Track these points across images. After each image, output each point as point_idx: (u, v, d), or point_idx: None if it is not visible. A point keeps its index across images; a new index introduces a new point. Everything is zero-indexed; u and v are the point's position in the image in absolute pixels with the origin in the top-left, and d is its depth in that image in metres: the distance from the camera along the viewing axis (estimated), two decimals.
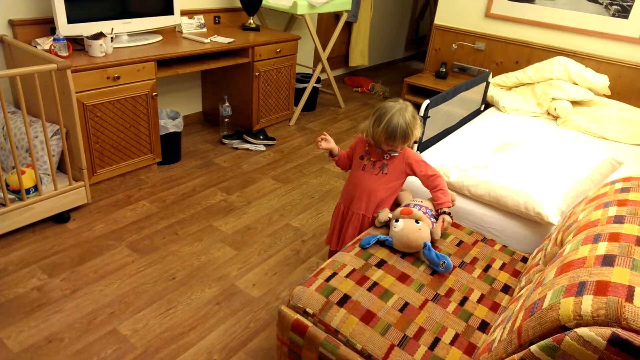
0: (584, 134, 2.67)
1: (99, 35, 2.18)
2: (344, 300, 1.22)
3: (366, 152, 1.65)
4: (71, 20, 2.17)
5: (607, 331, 0.75)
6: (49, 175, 2.07)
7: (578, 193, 1.75)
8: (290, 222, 2.32)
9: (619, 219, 1.07)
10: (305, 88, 3.60)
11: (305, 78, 3.74)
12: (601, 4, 2.89)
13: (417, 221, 1.45)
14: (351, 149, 1.71)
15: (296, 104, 3.59)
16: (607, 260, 0.91)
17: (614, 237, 0.99)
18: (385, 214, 1.54)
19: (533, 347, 0.84)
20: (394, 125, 1.48)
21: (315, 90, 3.74)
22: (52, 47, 2.07)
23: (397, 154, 1.60)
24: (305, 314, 1.22)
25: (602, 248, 0.96)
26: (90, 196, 2.20)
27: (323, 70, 3.68)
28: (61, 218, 2.10)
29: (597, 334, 0.75)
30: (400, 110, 1.50)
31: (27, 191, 1.95)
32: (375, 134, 1.52)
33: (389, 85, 4.61)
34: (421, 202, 1.58)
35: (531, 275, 1.28)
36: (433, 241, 1.50)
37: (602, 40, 2.96)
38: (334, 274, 1.31)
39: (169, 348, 1.56)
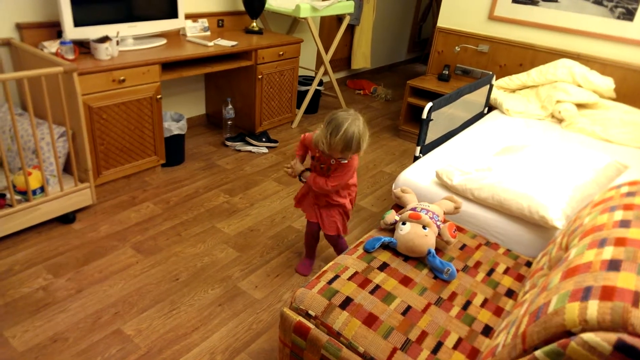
0: (588, 137, 2.65)
1: (104, 39, 2.20)
2: (347, 302, 1.22)
3: (317, 159, 1.69)
4: (77, 23, 2.18)
5: (613, 337, 0.74)
6: (55, 176, 2.08)
7: (583, 197, 1.74)
8: (293, 224, 2.32)
9: (625, 224, 1.07)
10: (307, 91, 3.60)
11: (307, 81, 3.75)
12: (606, 6, 2.88)
13: (424, 227, 1.45)
14: (304, 146, 1.77)
15: (298, 107, 3.60)
16: (613, 265, 0.90)
17: (620, 242, 0.98)
18: (391, 216, 1.54)
19: (537, 352, 0.83)
20: (350, 135, 1.51)
21: (317, 92, 3.75)
22: (59, 50, 2.09)
23: (345, 161, 1.63)
24: (307, 316, 1.22)
25: (608, 253, 0.96)
26: (96, 197, 2.21)
27: (325, 73, 3.68)
28: (67, 219, 2.11)
29: (602, 340, 0.75)
30: (355, 120, 1.54)
31: (34, 192, 1.97)
32: (332, 144, 1.53)
33: (391, 88, 4.61)
34: (428, 206, 1.56)
35: (535, 279, 1.28)
36: (445, 245, 1.51)
37: (607, 42, 2.94)
38: (336, 277, 1.31)
39: (172, 348, 1.56)
